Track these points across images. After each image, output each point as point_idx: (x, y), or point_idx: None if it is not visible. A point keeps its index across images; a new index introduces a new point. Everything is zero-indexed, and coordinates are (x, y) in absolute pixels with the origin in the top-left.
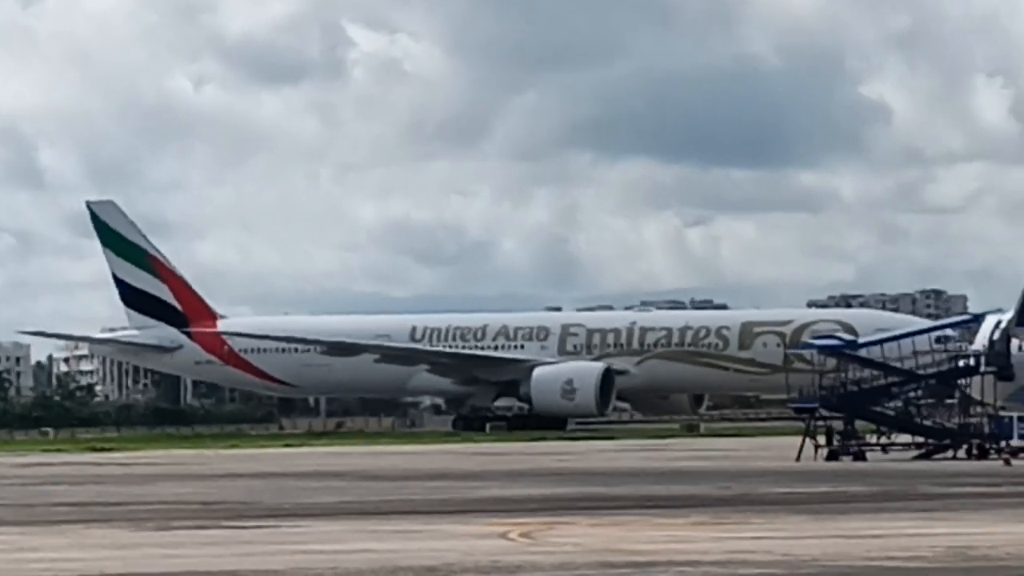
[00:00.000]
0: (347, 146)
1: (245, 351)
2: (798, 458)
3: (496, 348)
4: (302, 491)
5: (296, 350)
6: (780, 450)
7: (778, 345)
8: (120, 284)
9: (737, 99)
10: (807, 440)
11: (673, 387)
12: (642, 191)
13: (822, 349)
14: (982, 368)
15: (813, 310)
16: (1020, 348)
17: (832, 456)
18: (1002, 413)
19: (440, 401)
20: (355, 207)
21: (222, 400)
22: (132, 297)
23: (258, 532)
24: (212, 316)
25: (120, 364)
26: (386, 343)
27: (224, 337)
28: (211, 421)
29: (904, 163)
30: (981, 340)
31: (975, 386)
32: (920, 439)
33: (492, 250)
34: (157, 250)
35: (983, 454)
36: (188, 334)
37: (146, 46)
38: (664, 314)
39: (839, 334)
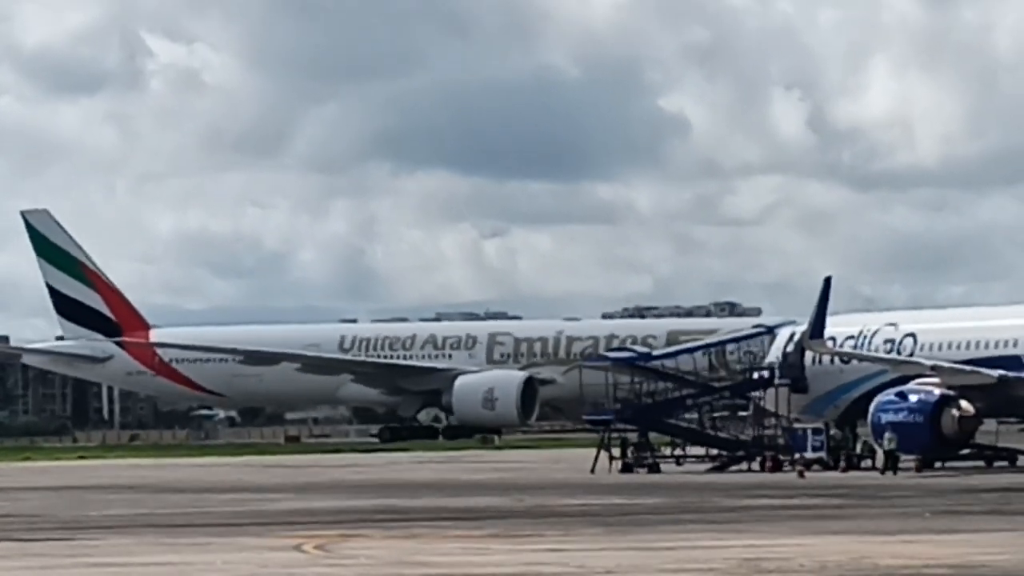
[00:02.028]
0: (144, 157)
1: (176, 361)
2: (592, 470)
3: (424, 358)
4: (96, 504)
5: (226, 360)
6: (575, 462)
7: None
8: (53, 293)
9: (535, 111)
10: (602, 452)
11: (600, 396)
12: (439, 203)
13: (616, 361)
14: (776, 380)
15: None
16: (814, 360)
17: (627, 468)
18: (796, 425)
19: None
20: (152, 219)
21: (15, 412)
22: (65, 306)
23: (51, 545)
24: (144, 326)
25: None
26: (310, 353)
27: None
28: (4, 434)
29: (701, 175)
30: (775, 352)
31: (769, 398)
32: (714, 451)
33: (289, 262)
34: (91, 259)
35: (777, 466)
36: (120, 344)
37: None
38: (591, 323)
39: (634, 347)
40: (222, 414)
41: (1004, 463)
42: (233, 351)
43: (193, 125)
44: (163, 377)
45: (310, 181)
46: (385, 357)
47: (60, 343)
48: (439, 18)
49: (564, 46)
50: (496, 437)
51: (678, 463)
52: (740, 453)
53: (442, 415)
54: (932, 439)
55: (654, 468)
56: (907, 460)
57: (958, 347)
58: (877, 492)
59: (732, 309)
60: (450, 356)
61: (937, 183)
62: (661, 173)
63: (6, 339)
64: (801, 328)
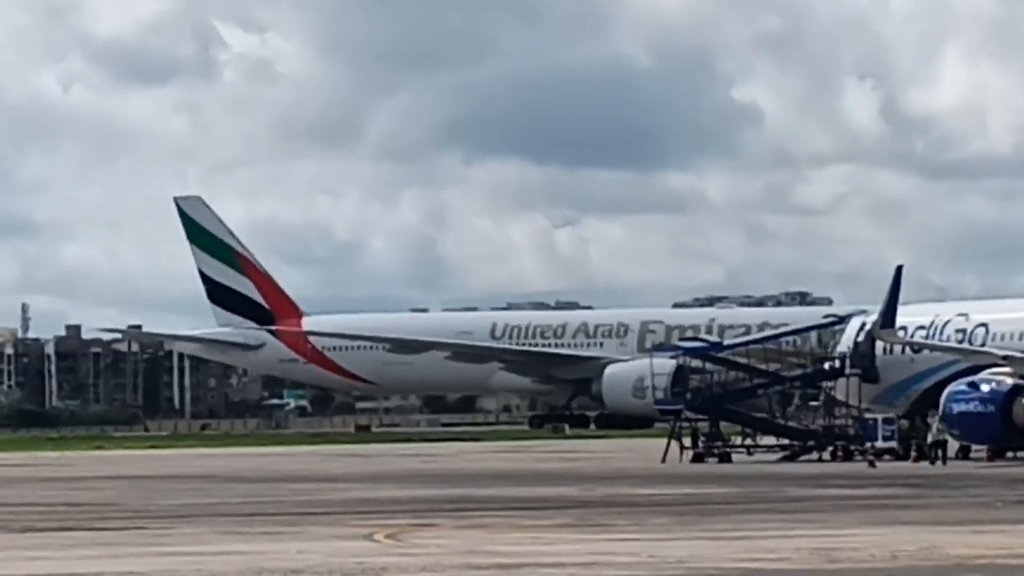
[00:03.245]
0: (216, 146)
1: (327, 349)
2: (663, 460)
3: (576, 346)
4: (167, 493)
5: (378, 348)
6: (646, 452)
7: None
8: (206, 280)
9: (606, 100)
10: (672, 442)
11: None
12: (510, 192)
13: (687, 351)
14: (847, 370)
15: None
16: (884, 350)
17: (697, 458)
18: (866, 415)
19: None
20: (223, 207)
21: (87, 402)
22: (217, 294)
23: (123, 534)
24: (297, 313)
25: None
26: (459, 340)
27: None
28: (76, 423)
29: (773, 165)
30: (846, 342)
31: (840, 388)
32: (785, 441)
33: (360, 251)
34: (244, 247)
35: (848, 456)
36: (272, 332)
37: (13, 46)
38: (744, 311)
39: (705, 336)
40: (292, 403)
41: None
42: (383, 339)
43: (265, 114)
44: (315, 365)
45: (381, 170)
46: (536, 345)
47: (212, 331)
48: (511, 6)
49: (636, 35)
50: (566, 427)
51: (749, 453)
52: (811, 443)
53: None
54: (1004, 429)
55: (725, 458)
56: (979, 450)
57: None
58: (948, 482)
59: (803, 299)
60: (601, 344)
61: (1009, 172)
62: (733, 162)
63: (78, 328)
64: (872, 318)
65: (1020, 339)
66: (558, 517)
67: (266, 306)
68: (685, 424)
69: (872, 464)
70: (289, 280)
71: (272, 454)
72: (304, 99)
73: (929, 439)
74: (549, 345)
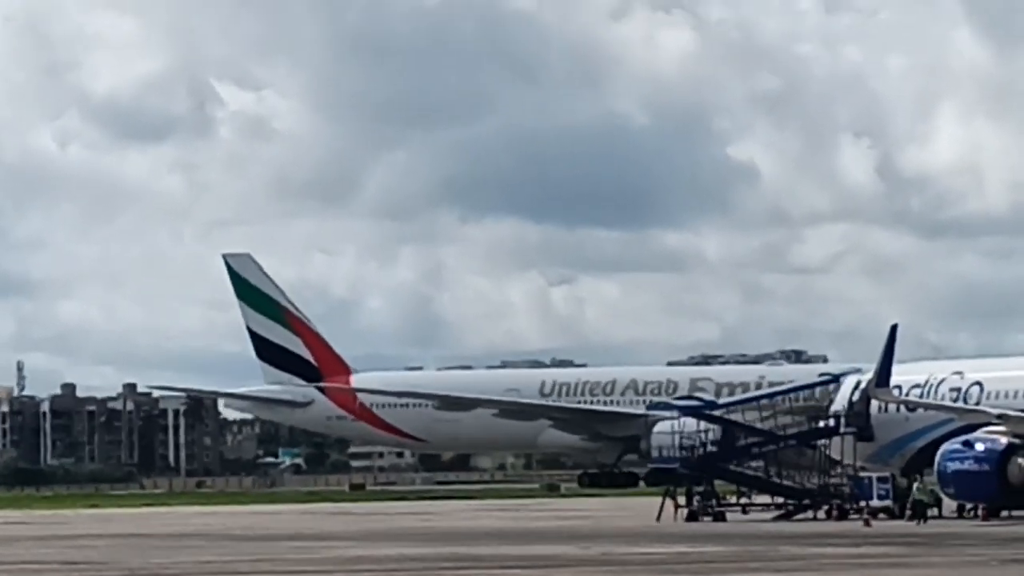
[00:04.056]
0: (213, 204)
1: (376, 406)
2: (658, 518)
3: (625, 403)
4: (163, 551)
5: (426, 405)
6: (641, 511)
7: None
8: (255, 337)
9: (603, 158)
10: (667, 500)
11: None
12: (507, 250)
13: (682, 409)
14: (842, 428)
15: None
16: (879, 409)
17: (692, 517)
18: (862, 474)
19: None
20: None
21: (82, 460)
22: (266, 351)
23: None
24: (346, 370)
25: None
26: (506, 398)
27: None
28: (71, 481)
29: (769, 223)
30: (841, 400)
31: (835, 446)
32: (780, 500)
33: (357, 309)
34: (292, 304)
35: (843, 515)
36: (320, 389)
37: (11, 104)
38: (793, 368)
39: (700, 395)
40: (287, 461)
41: None
42: (431, 396)
43: (261, 172)
44: (363, 422)
45: (378, 228)
46: (586, 402)
47: (262, 388)
48: (508, 64)
49: (633, 93)
50: (561, 485)
51: (744, 511)
52: (806, 502)
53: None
54: (999, 488)
55: (720, 517)
56: (973, 509)
57: None
58: (943, 541)
59: (798, 357)
60: (650, 402)
61: (1006, 231)
62: (729, 221)
63: (72, 387)
64: (867, 376)
65: (1015, 398)
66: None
67: (314, 363)
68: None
69: (867, 523)
70: None
71: (267, 512)
72: (301, 157)
73: (911, 498)
74: (598, 402)
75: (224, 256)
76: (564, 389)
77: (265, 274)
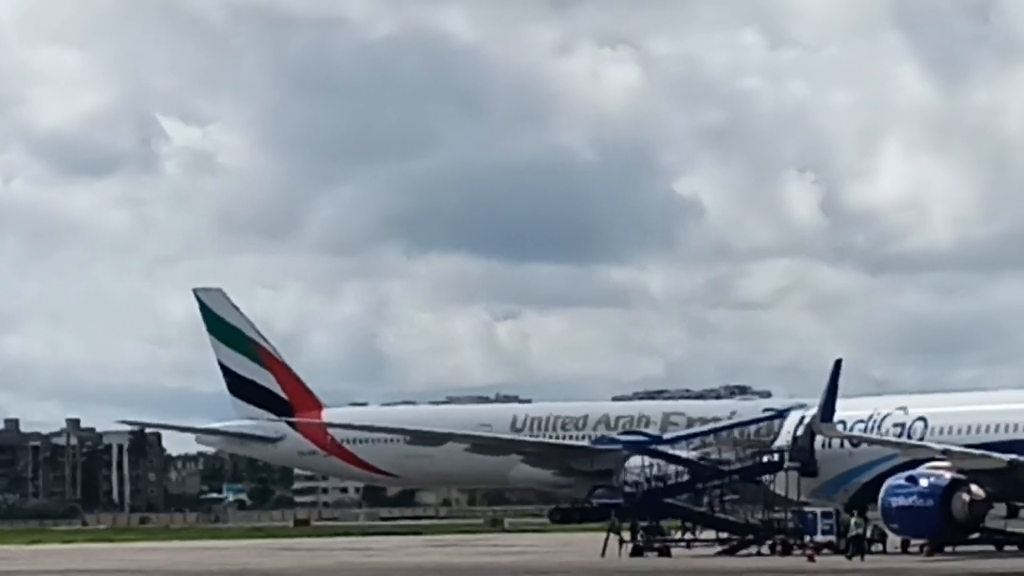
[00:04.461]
0: (157, 239)
1: (348, 442)
2: (603, 554)
3: (597, 439)
4: None
5: (398, 440)
6: (586, 546)
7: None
8: (226, 372)
9: (549, 193)
10: (612, 536)
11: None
12: (452, 285)
13: (627, 445)
14: (786, 464)
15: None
16: (823, 444)
17: (637, 552)
18: (806, 509)
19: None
20: (164, 301)
21: (25, 495)
22: (237, 386)
23: None
24: (318, 406)
25: None
26: (477, 433)
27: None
28: (14, 517)
29: (714, 259)
30: (785, 436)
31: (779, 482)
32: (724, 535)
33: (301, 345)
34: (264, 338)
35: (787, 550)
36: (292, 424)
37: None
38: (764, 403)
39: (645, 430)
40: (231, 497)
41: (1014, 548)
42: (402, 431)
43: (206, 207)
44: (335, 457)
45: (323, 263)
46: (557, 437)
47: (232, 424)
48: (453, 100)
49: (578, 128)
50: (506, 521)
51: (688, 546)
52: (750, 537)
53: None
54: (942, 523)
55: (664, 552)
56: (917, 544)
57: (968, 431)
58: None
59: (743, 392)
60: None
61: (949, 266)
62: (674, 256)
63: (16, 422)
64: (811, 411)
65: (959, 433)
66: None
67: (286, 398)
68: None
69: (811, 558)
70: None
71: (211, 548)
72: (246, 192)
73: (848, 534)
74: (570, 437)
75: (195, 291)
76: (536, 424)
77: (236, 308)
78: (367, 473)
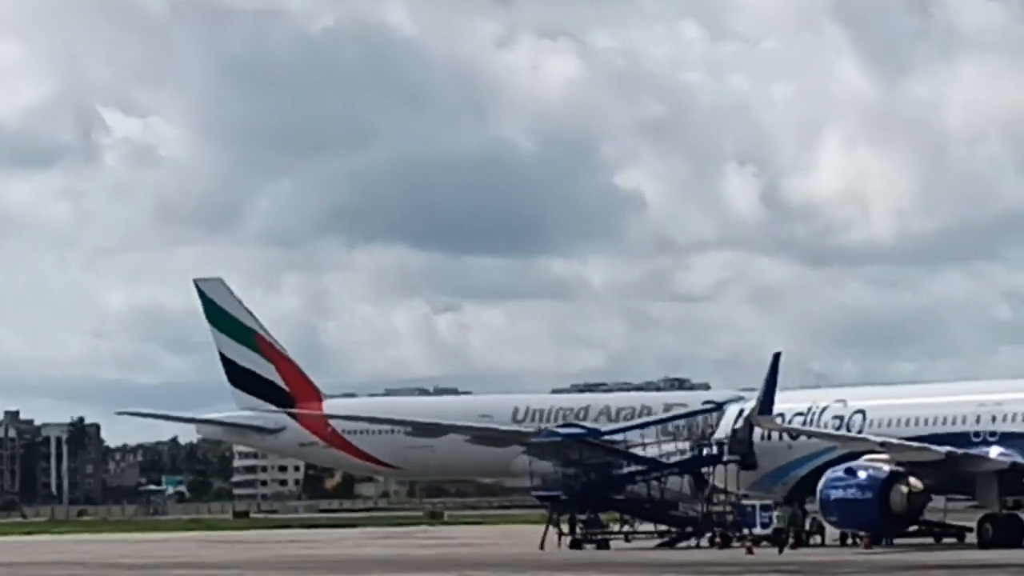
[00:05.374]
0: (98, 231)
1: (348, 432)
2: (542, 546)
3: None
4: None
5: (399, 431)
6: (525, 538)
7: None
8: (226, 363)
9: (489, 186)
10: (551, 528)
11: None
12: (392, 278)
13: (566, 437)
14: (725, 456)
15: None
16: (762, 436)
17: (575, 544)
18: (745, 502)
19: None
20: (105, 293)
21: None
22: (238, 376)
23: None
24: (318, 397)
25: None
26: (478, 424)
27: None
28: None
29: (655, 251)
30: (724, 428)
31: (718, 474)
32: (663, 527)
33: None
34: (264, 329)
35: (726, 542)
36: (292, 415)
37: None
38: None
39: (583, 423)
40: (170, 489)
41: (952, 540)
42: (402, 423)
43: (147, 199)
44: (336, 448)
45: (263, 255)
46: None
47: (233, 414)
48: (393, 92)
49: (519, 121)
50: (445, 513)
51: (627, 539)
52: (689, 529)
53: None
54: (881, 516)
55: (603, 544)
56: (856, 536)
57: (907, 424)
58: (826, 569)
59: (682, 385)
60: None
61: (890, 259)
62: (615, 249)
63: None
64: (750, 404)
65: (898, 426)
66: None
67: (286, 388)
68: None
69: (750, 551)
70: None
71: (149, 540)
72: (186, 184)
73: (772, 525)
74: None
75: (195, 281)
76: (537, 415)
77: (236, 299)
78: (368, 464)
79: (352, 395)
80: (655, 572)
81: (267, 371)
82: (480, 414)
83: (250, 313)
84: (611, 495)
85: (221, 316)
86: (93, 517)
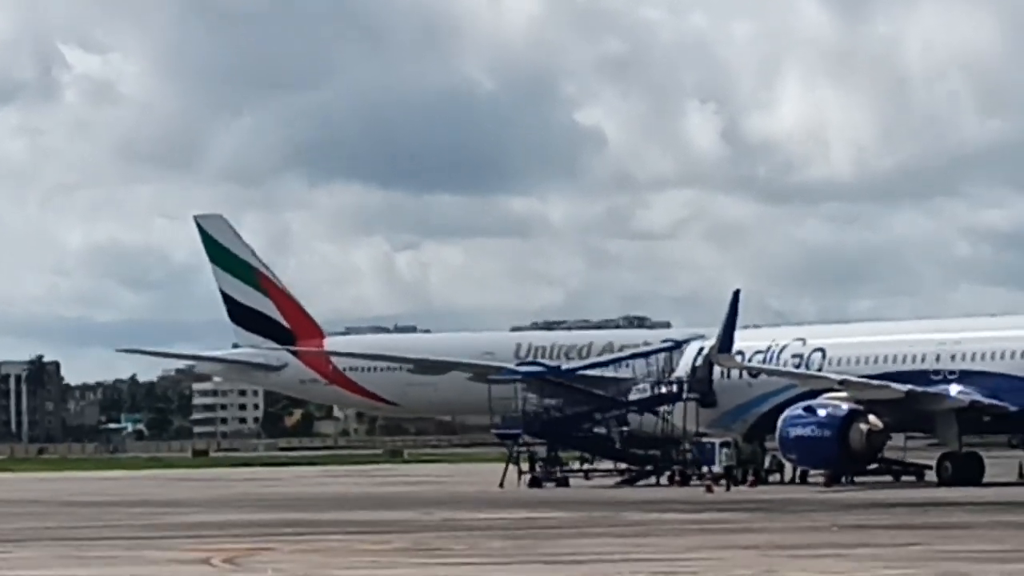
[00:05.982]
0: (57, 168)
1: (350, 370)
2: (502, 484)
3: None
4: (3, 517)
5: (400, 369)
6: (485, 476)
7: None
8: (227, 300)
9: (449, 124)
10: (510, 466)
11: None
12: (352, 216)
13: (526, 375)
14: (684, 395)
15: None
16: (722, 375)
17: (535, 483)
18: (704, 440)
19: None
20: (63, 230)
21: None
22: (239, 313)
23: None
24: (319, 334)
25: None
26: (481, 361)
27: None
28: None
29: (615, 189)
30: (684, 366)
31: (677, 412)
32: (623, 466)
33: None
34: (265, 265)
35: (685, 480)
36: (293, 352)
37: None
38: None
39: (543, 360)
40: (130, 427)
41: (912, 478)
42: (404, 360)
43: (106, 136)
44: (337, 386)
45: (222, 193)
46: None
47: (234, 351)
48: (354, 30)
49: (479, 59)
50: (405, 452)
51: (587, 477)
52: (648, 468)
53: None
54: (840, 454)
55: (563, 482)
56: (815, 475)
57: (867, 362)
58: (785, 507)
59: (642, 323)
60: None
61: (849, 197)
62: (575, 186)
63: None
64: (710, 342)
65: (857, 364)
66: (396, 541)
67: (287, 326)
68: (523, 448)
69: (709, 489)
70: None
71: (109, 478)
72: (146, 121)
73: (718, 464)
74: None
75: (195, 217)
76: (540, 352)
77: (237, 236)
78: (368, 401)
79: (352, 332)
80: (614, 509)
81: (268, 308)
82: (483, 351)
83: (251, 250)
84: (570, 432)
85: (221, 253)
86: (53, 455)
